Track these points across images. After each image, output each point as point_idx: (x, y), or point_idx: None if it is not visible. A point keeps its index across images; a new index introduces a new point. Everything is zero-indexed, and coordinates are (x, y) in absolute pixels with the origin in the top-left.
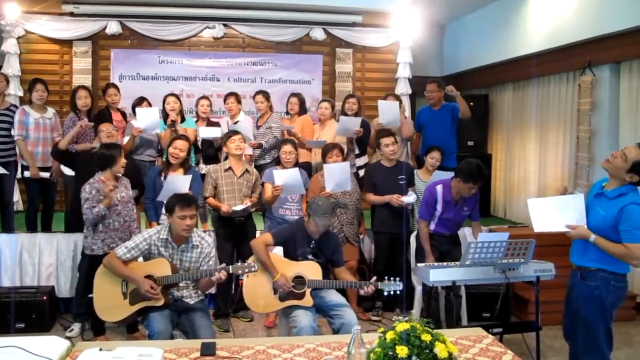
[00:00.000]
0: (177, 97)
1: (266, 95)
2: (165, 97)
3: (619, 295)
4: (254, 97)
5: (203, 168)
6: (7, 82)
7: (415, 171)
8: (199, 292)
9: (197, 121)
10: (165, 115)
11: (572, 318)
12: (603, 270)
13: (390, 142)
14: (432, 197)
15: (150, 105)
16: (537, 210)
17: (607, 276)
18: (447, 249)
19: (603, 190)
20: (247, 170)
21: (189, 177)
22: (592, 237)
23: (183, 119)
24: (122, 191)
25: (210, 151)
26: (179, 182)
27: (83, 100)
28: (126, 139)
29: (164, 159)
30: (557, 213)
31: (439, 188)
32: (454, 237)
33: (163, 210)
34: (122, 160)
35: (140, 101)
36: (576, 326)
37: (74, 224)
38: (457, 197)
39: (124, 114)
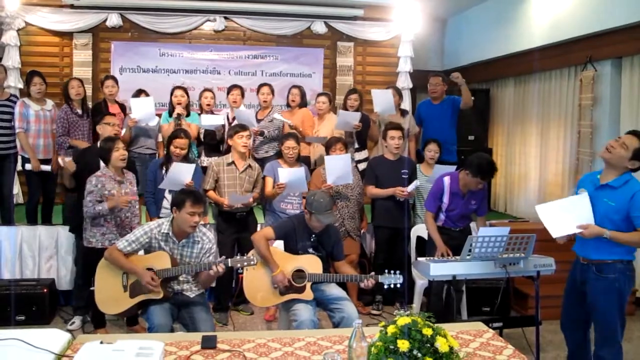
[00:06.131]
0: (185, 90)
1: (271, 88)
2: (173, 89)
3: (632, 283)
4: (258, 89)
5: (205, 160)
6: (6, 72)
7: (417, 165)
8: (199, 285)
9: (200, 114)
10: (171, 107)
11: (580, 310)
12: (620, 261)
13: (397, 135)
14: (439, 189)
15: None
16: (548, 215)
17: (624, 267)
18: (457, 243)
19: (606, 182)
20: (249, 166)
21: (192, 166)
22: (607, 233)
23: (188, 114)
24: (127, 187)
25: (212, 142)
26: (182, 170)
27: (76, 89)
28: (124, 131)
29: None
30: (566, 215)
31: (447, 180)
32: (465, 232)
33: (164, 204)
34: (120, 153)
35: (139, 94)
36: (593, 322)
37: (71, 219)
38: (464, 190)
39: (122, 106)
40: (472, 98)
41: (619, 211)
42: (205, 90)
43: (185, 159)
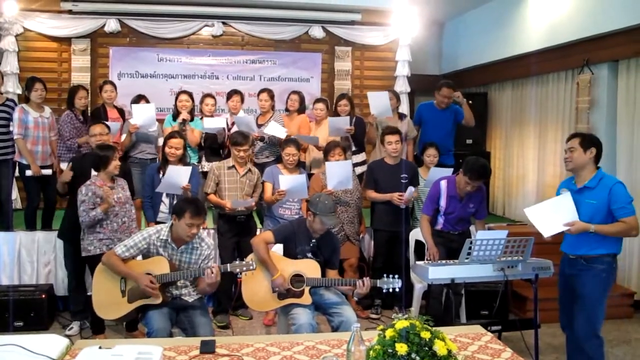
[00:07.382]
0: (190, 94)
1: (271, 93)
2: (178, 94)
3: (616, 274)
4: (258, 95)
5: (206, 165)
6: (3, 78)
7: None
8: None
9: (201, 119)
10: (175, 111)
11: (572, 305)
12: (607, 255)
13: (394, 140)
14: (435, 192)
15: (148, 103)
16: (537, 217)
17: (611, 260)
18: (456, 247)
19: (583, 185)
20: (249, 170)
21: (188, 169)
22: (592, 227)
23: (192, 119)
24: (119, 192)
25: (214, 145)
26: (179, 173)
27: (83, 101)
28: (124, 137)
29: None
30: (553, 215)
31: (443, 183)
32: (464, 235)
33: (161, 208)
34: (116, 162)
35: (138, 99)
36: (575, 313)
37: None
38: (462, 193)
39: (121, 111)
40: (470, 102)
41: (600, 208)
42: (207, 96)
43: (181, 160)
